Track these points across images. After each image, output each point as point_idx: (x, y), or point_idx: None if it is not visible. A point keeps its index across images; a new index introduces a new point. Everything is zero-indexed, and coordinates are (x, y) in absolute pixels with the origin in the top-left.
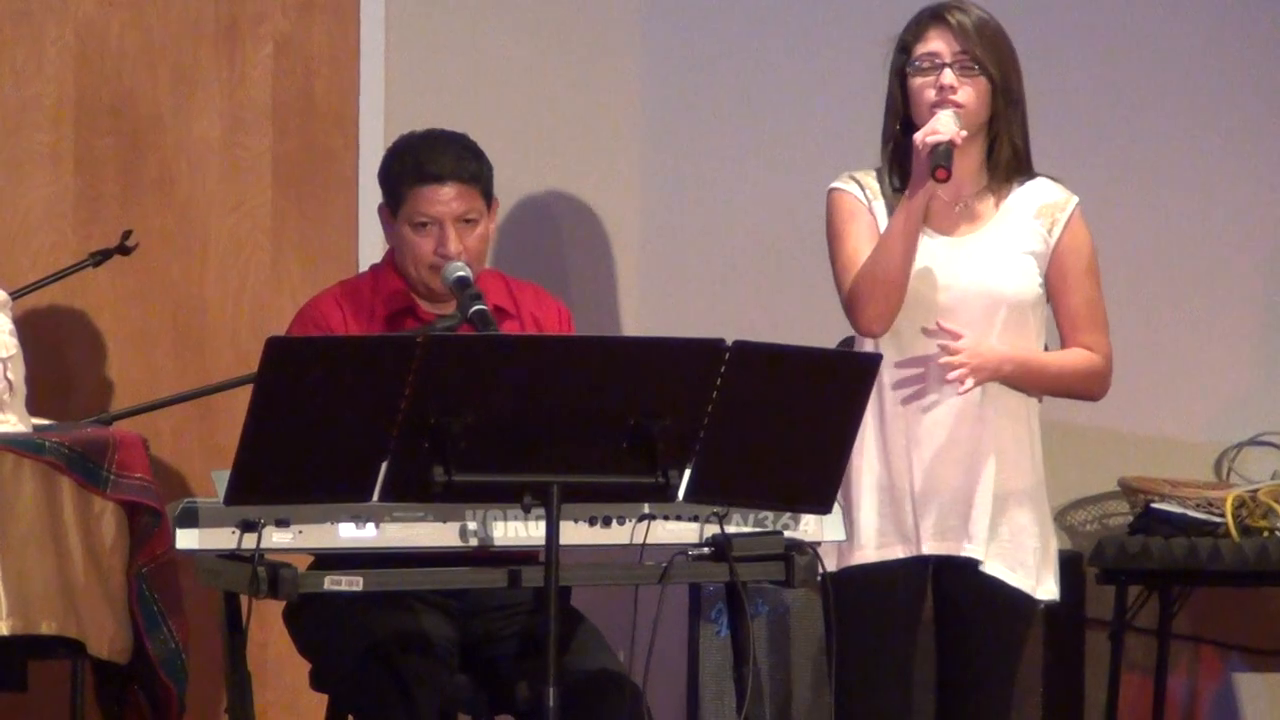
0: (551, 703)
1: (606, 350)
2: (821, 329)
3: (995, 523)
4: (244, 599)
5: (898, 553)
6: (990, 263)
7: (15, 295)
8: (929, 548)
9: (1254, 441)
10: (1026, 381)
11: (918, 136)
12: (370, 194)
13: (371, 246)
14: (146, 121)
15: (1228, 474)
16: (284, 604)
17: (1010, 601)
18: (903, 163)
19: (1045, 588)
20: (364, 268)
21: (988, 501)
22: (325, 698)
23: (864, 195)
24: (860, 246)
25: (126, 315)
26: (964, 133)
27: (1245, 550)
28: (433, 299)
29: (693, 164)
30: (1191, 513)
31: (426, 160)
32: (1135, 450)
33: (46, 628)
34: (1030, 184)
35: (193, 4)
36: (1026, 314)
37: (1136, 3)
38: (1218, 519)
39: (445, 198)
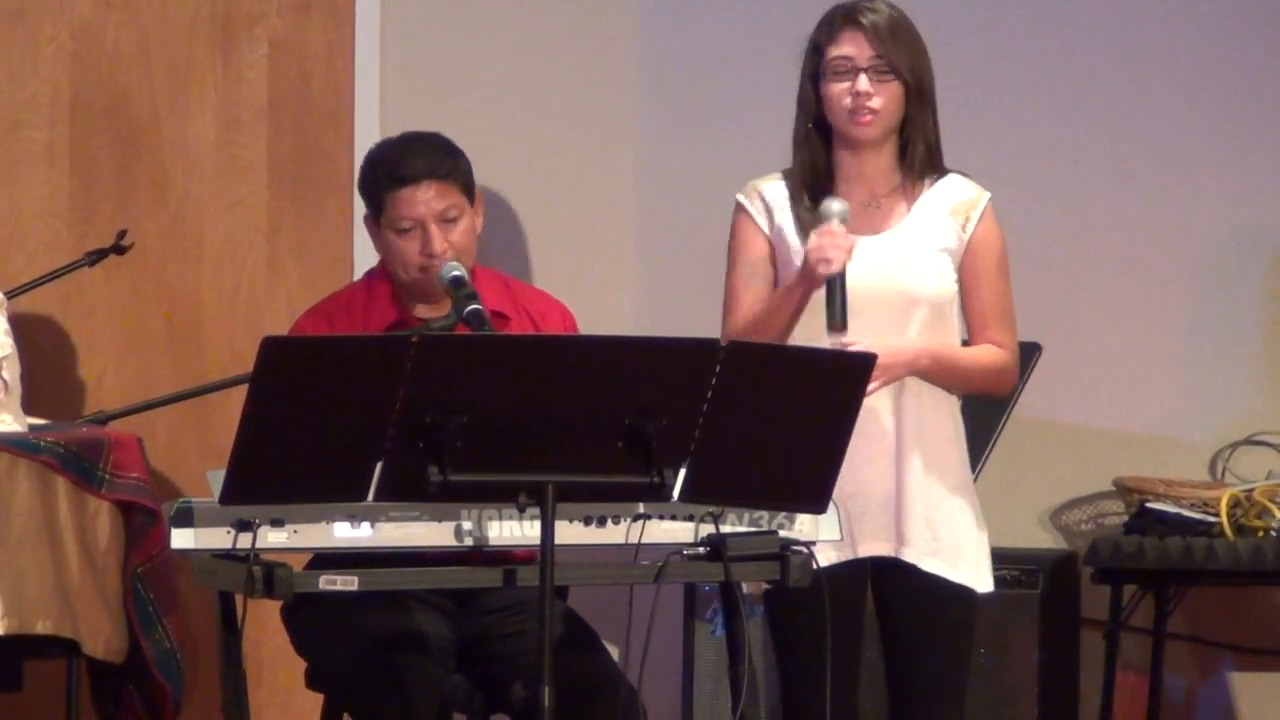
0: (546, 702)
1: (601, 350)
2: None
3: (930, 520)
4: (239, 598)
5: (832, 557)
6: (906, 261)
7: (10, 295)
8: (865, 550)
9: (1249, 441)
10: (943, 376)
11: (810, 250)
12: None
13: (367, 246)
14: (142, 121)
15: (1223, 473)
16: (280, 603)
17: (954, 596)
18: (814, 165)
19: (984, 580)
20: (359, 267)
21: (919, 499)
22: (321, 697)
23: (763, 215)
24: (750, 284)
25: (122, 315)
26: (855, 239)
27: (1240, 550)
28: (427, 301)
29: (690, 164)
30: (1186, 512)
31: (400, 163)
32: (1130, 450)
33: (42, 627)
34: (942, 181)
35: (188, 4)
36: (944, 312)
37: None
38: (1213, 518)
39: (424, 198)
